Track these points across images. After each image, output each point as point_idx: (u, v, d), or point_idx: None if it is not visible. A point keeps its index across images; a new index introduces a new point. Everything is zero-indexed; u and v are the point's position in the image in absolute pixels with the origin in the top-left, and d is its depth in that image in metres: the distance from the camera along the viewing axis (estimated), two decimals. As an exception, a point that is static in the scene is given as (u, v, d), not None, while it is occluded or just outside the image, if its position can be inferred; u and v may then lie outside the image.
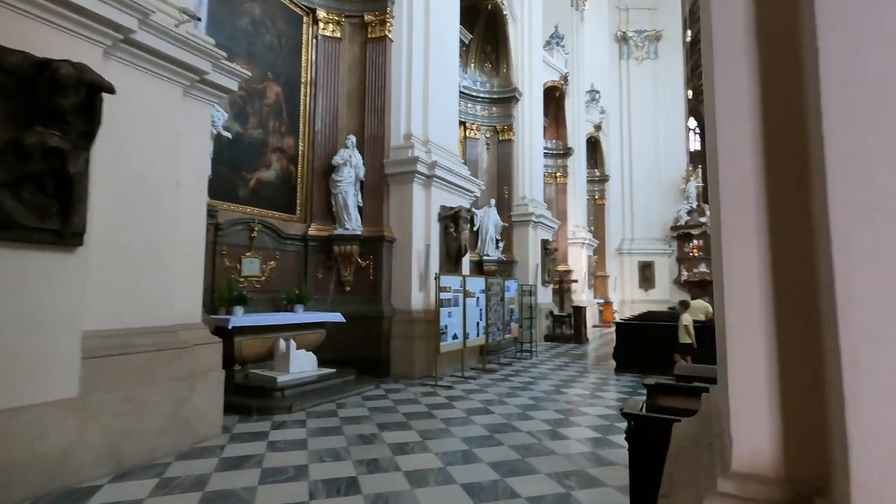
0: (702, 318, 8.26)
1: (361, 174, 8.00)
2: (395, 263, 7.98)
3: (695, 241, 22.94)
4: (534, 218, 13.06)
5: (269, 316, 6.40)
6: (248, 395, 5.63)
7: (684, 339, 7.46)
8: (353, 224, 7.86)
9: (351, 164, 7.91)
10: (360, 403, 5.92)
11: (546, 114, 16.11)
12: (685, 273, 22.64)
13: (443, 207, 8.57)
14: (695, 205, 22.88)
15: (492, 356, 9.78)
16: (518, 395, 6.50)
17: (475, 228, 12.52)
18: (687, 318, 7.61)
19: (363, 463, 3.87)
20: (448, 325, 7.33)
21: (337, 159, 7.90)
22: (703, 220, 22.73)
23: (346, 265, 7.93)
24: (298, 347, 6.41)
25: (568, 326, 14.26)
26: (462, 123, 12.84)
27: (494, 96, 13.40)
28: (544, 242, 13.76)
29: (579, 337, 13.04)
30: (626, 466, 3.78)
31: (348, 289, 7.96)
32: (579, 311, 13.38)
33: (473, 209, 11.03)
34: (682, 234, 22.89)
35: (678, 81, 23.91)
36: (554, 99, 17.03)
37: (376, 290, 7.85)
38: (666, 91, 23.57)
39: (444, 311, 7.23)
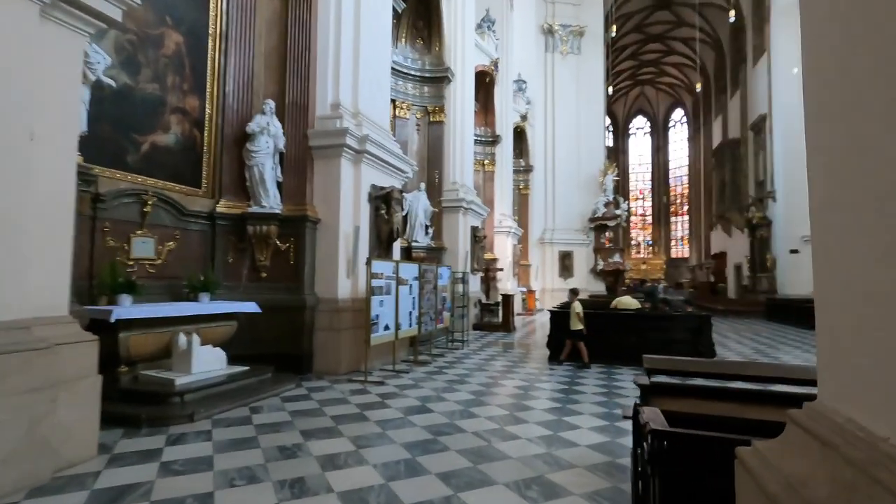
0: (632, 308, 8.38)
1: (281, 145, 7.05)
2: (320, 247, 7.16)
3: (609, 233, 24.10)
4: (464, 204, 12.69)
5: (166, 306, 5.35)
6: (138, 403, 4.63)
7: (576, 325, 7.83)
8: (272, 201, 6.91)
9: (269, 133, 6.93)
10: (279, 406, 5.13)
11: (476, 99, 15.78)
12: (601, 262, 23.72)
13: (373, 187, 7.85)
14: (611, 198, 23.98)
15: (423, 347, 9.27)
16: (456, 390, 6.05)
17: (404, 213, 11.89)
18: (578, 306, 7.94)
19: (286, 485, 3.17)
20: (380, 314, 6.69)
21: (252, 126, 6.89)
22: (617, 212, 23.91)
23: (263, 248, 6.97)
24: (204, 343, 5.44)
25: (495, 315, 14.16)
26: (392, 101, 12.08)
27: (426, 75, 12.77)
28: (474, 229, 13.48)
29: (507, 325, 12.96)
30: (587, 469, 3.46)
31: (265, 275, 7.01)
32: (508, 300, 13.30)
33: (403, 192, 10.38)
34: (598, 226, 23.93)
35: (599, 78, 24.80)
36: (484, 84, 16.74)
37: (298, 276, 6.99)
38: (587, 87, 24.34)
39: (375, 299, 6.58)
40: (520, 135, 21.80)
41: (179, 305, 5.53)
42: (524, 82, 21.67)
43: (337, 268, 7.10)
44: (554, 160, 23.80)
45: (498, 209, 17.68)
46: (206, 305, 5.82)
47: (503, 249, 17.72)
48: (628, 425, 4.55)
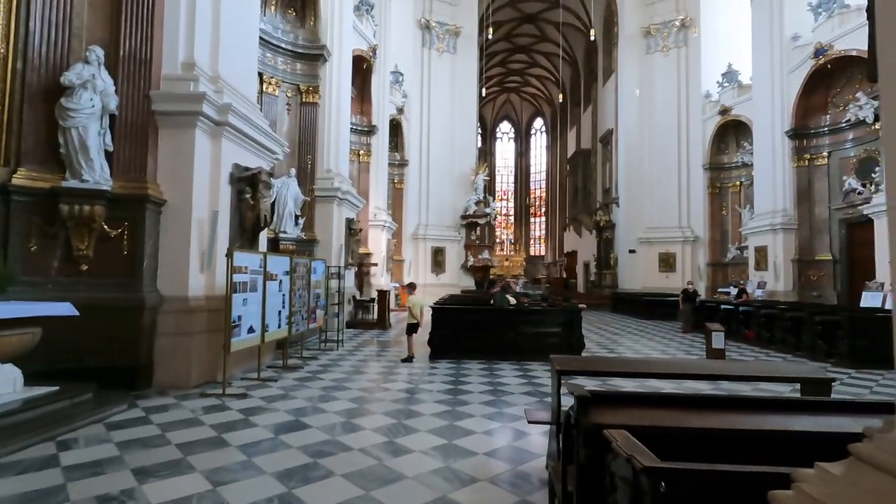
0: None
1: (113, 106, 5.62)
2: (167, 234, 5.89)
3: (478, 230, 25.01)
4: (339, 194, 11.86)
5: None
6: None
7: (410, 319, 8.00)
8: (97, 175, 5.47)
9: (94, 89, 5.47)
10: (102, 437, 3.98)
11: (352, 84, 14.95)
12: (471, 259, 24.49)
13: (237, 167, 6.74)
14: (482, 196, 24.87)
15: (293, 349, 8.34)
16: (335, 398, 5.40)
17: (271, 200, 10.67)
18: (413, 300, 8.08)
19: (109, 556, 2.31)
20: (243, 315, 5.72)
21: (70, 78, 5.37)
22: (487, 210, 24.90)
23: (83, 234, 5.49)
24: (-15, 359, 4.01)
25: (369, 312, 13.58)
26: (259, 75, 10.74)
27: (299, 50, 11.64)
28: (349, 222, 12.70)
29: (383, 322, 12.48)
30: (490, 482, 3.16)
31: (86, 268, 5.54)
32: (383, 296, 12.82)
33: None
34: (470, 223, 24.66)
35: (473, 80, 25.50)
36: (361, 71, 15.97)
37: (134, 270, 5.65)
38: (462, 87, 24.86)
39: (237, 297, 5.59)
40: (396, 128, 21.40)
41: (-55, 309, 4.00)
42: (401, 74, 21.32)
43: (188, 260, 5.92)
44: (429, 156, 23.87)
45: (373, 202, 17.06)
46: (-9, 308, 4.32)
47: (378, 244, 17.17)
48: (521, 425, 4.42)
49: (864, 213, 13.56)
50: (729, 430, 1.83)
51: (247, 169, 6.83)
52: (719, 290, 19.59)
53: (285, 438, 4.01)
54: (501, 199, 44.56)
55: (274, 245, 10.55)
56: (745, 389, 5.52)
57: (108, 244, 5.61)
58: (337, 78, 12.46)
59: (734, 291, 16.01)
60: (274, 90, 11.28)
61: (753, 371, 3.04)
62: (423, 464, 3.50)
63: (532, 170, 45.61)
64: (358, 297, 13.67)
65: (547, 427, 3.49)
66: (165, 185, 5.94)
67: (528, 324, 8.20)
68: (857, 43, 14.30)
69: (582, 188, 31.21)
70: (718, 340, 7.68)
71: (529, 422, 3.33)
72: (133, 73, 5.86)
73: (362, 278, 15.85)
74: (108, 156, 5.67)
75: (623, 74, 24.15)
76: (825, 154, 16.22)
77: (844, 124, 15.56)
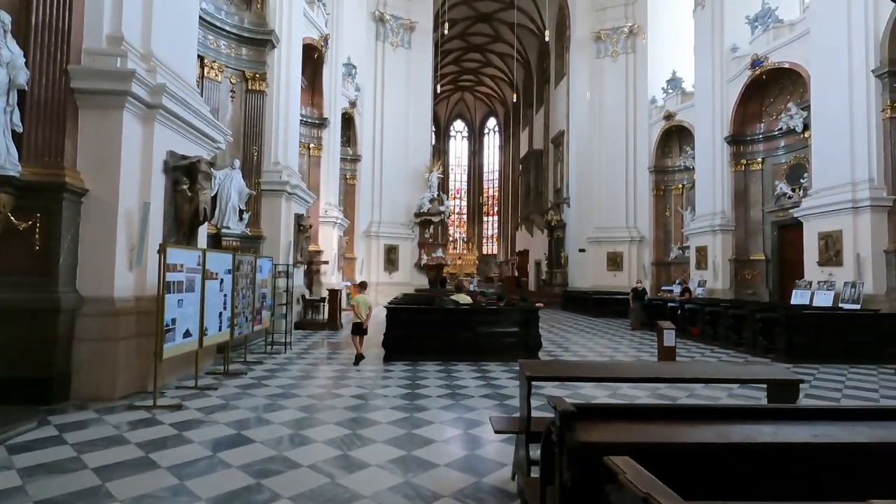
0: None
1: (22, 80, 4.91)
2: (88, 228, 5.24)
3: (432, 228, 24.79)
4: (288, 188, 11.26)
5: None
6: None
7: (355, 318, 7.83)
8: (2, 159, 4.75)
9: (-1, 60, 4.76)
10: (2, 462, 3.41)
11: (303, 74, 14.30)
12: (425, 257, 24.24)
13: (172, 154, 6.14)
14: (436, 194, 24.65)
15: (236, 353, 7.78)
16: (282, 407, 4.99)
17: (213, 193, 9.96)
18: (358, 299, 7.94)
19: None
20: (178, 317, 5.18)
21: (-32, 45, 4.64)
22: (441, 208, 24.71)
23: (-15, 226, 4.77)
24: None
25: (320, 312, 13.04)
26: (199, 58, 9.99)
27: (245, 35, 10.93)
28: (298, 218, 12.11)
29: (334, 323, 11.99)
30: (454, 499, 2.93)
31: (-12, 265, 4.82)
32: (334, 295, 12.32)
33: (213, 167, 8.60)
34: (423, 221, 24.39)
35: (427, 76, 25.22)
36: (312, 61, 15.34)
37: (47, 267, 4.98)
38: (416, 82, 24.52)
39: (172, 298, 5.06)
40: (348, 122, 20.79)
41: None
42: (354, 67, 20.72)
43: (114, 257, 5.30)
44: (382, 152, 23.38)
45: (324, 198, 16.44)
46: None
47: (329, 241, 16.56)
48: (483, 431, 4.23)
49: (794, 215, 14.46)
50: (724, 444, 1.68)
51: (184, 157, 6.24)
52: (663, 287, 20.40)
53: (225, 456, 3.60)
54: (455, 198, 44.59)
55: (216, 241, 9.86)
56: (710, 392, 5.60)
57: (17, 238, 4.91)
58: (286, 66, 11.84)
59: (678, 289, 16.67)
60: (216, 76, 10.54)
61: (726, 374, 2.99)
62: (380, 480, 3.22)
63: (485, 169, 45.95)
64: (307, 297, 13.09)
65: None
66: (87, 172, 5.29)
67: (485, 324, 8.05)
68: (789, 56, 15.22)
69: (534, 188, 31.70)
70: (670, 338, 7.83)
71: (496, 431, 3.13)
72: (48, 44, 5.17)
73: (312, 277, 15.23)
74: (18, 138, 4.96)
75: (574, 77, 24.66)
76: (760, 160, 17.19)
77: (777, 132, 16.55)
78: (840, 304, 11.99)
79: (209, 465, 3.44)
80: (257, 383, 6.07)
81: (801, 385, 5.87)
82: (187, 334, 5.38)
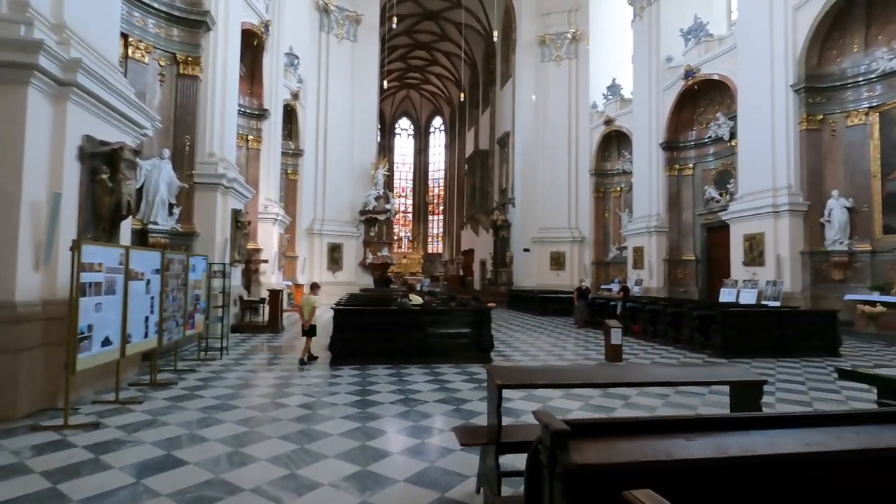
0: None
1: None
2: (-19, 221, 4.51)
3: (377, 226, 24.29)
4: (225, 182, 10.50)
5: None
6: None
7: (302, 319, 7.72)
8: None
9: None
10: None
11: (241, 62, 13.45)
12: (370, 256, 23.71)
13: (89, 140, 5.44)
14: (381, 191, 24.17)
15: (164, 361, 7.10)
16: (219, 421, 4.53)
17: (139, 185, 9.09)
18: (305, 299, 7.83)
19: None
20: (96, 323, 4.57)
21: None
22: (388, 206, 24.27)
23: None
24: None
25: (259, 313, 12.31)
26: (124, 36, 9.08)
27: (176, 14, 10.07)
28: (236, 213, 11.34)
29: (275, 325, 11.34)
30: (419, 518, 2.70)
31: None
32: (275, 296, 11.66)
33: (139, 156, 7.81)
34: (369, 219, 23.86)
35: (374, 70, 24.67)
36: (251, 47, 14.49)
37: (-71, 267, 4.23)
38: (362, 77, 23.94)
39: (88, 301, 4.45)
40: (290, 114, 19.89)
41: None
42: (297, 57, 19.85)
43: (16, 255, 4.59)
44: (326, 147, 22.61)
45: (263, 193, 15.59)
46: None
47: (268, 239, 15.74)
48: (443, 439, 4.03)
49: (722, 218, 15.43)
50: (724, 458, 1.58)
51: (104, 143, 5.56)
52: (602, 286, 21.16)
53: (152, 483, 3.15)
54: (400, 196, 44.14)
55: (142, 238, 9.02)
56: (660, 391, 5.70)
57: None
58: (223, 51, 11.03)
59: (617, 287, 17.33)
60: (143, 56, 9.62)
61: (696, 377, 2.96)
62: (334, 501, 2.92)
63: (430, 168, 45.83)
64: (246, 298, 12.32)
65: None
66: (-19, 156, 4.55)
67: (437, 324, 7.85)
68: (719, 68, 16.21)
69: (480, 188, 31.96)
70: (616, 336, 8.02)
71: (462, 445, 2.93)
72: (-69, 4, 4.39)
73: (251, 276, 14.39)
74: None
75: (520, 80, 25.04)
76: (691, 165, 18.22)
77: (707, 140, 17.61)
78: (763, 302, 12.91)
79: (132, 495, 2.99)
80: (189, 394, 5.52)
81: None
82: (107, 342, 4.76)
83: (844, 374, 3.77)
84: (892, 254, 11.65)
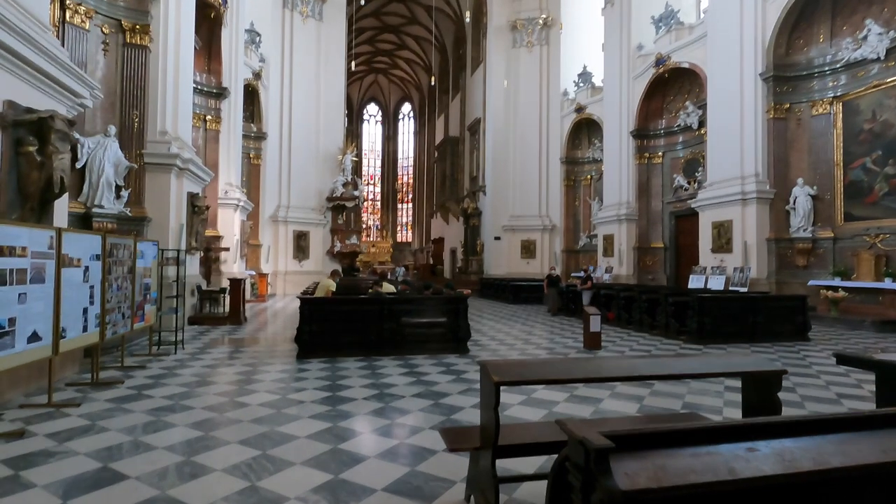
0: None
1: None
2: None
3: (345, 214, 23.56)
4: (179, 163, 9.70)
5: None
6: None
7: None
8: None
9: None
10: None
11: (197, 35, 12.50)
12: (338, 244, 23.00)
13: (12, 106, 4.73)
14: (349, 178, 23.41)
15: (109, 358, 6.44)
16: (168, 425, 4.01)
17: (81, 164, 8.27)
18: (327, 283, 8.01)
19: None
20: (19, 316, 3.95)
21: None
22: (356, 193, 23.55)
23: None
24: None
25: (219, 304, 11.60)
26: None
27: (120, -24, 9.14)
28: (192, 197, 10.55)
29: (237, 317, 10.67)
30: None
31: None
32: (237, 286, 10.96)
33: (77, 133, 7.02)
34: (336, 206, 23.09)
35: (340, 51, 23.73)
36: (208, 20, 13.55)
37: None
38: (328, 57, 22.99)
39: (6, 291, 3.82)
40: (252, 95, 18.87)
41: None
42: (258, 34, 18.81)
43: (-81, 237, 3.90)
44: (291, 130, 21.65)
45: (223, 177, 14.71)
46: None
47: (230, 226, 14.89)
48: (422, 439, 3.66)
49: (691, 206, 15.58)
50: (796, 474, 1.26)
51: (30, 110, 4.85)
52: (572, 274, 21.21)
53: (86, 501, 2.66)
54: (368, 184, 43.22)
55: (86, 223, 8.24)
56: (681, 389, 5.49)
57: None
58: (175, 20, 10.14)
59: (583, 276, 17.35)
60: (83, 22, 8.69)
61: (714, 367, 2.69)
62: (302, 519, 2.52)
63: (399, 155, 45.02)
64: (205, 288, 11.57)
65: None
66: None
67: (411, 314, 7.44)
68: (689, 56, 16.25)
69: (450, 175, 31.50)
70: (595, 324, 7.84)
71: (451, 450, 2.57)
72: None
73: (211, 265, 13.58)
74: None
75: (491, 66, 24.62)
76: (660, 154, 18.34)
77: (676, 128, 17.72)
78: (731, 288, 13.10)
79: (56, 520, 2.50)
80: (137, 394, 4.95)
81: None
82: (34, 338, 4.15)
83: (843, 360, 3.61)
84: (852, 240, 11.97)
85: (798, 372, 6.27)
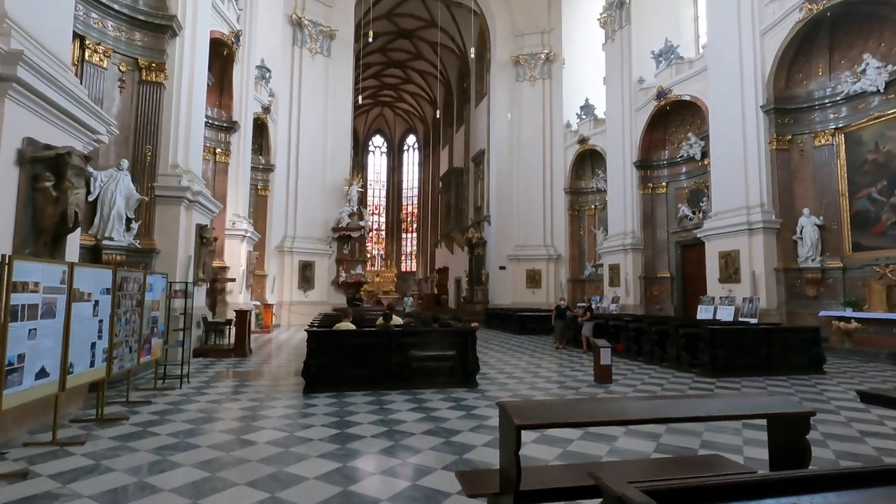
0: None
1: None
2: None
3: (351, 244, 23.63)
4: (189, 195, 9.83)
5: None
6: None
7: None
8: None
9: None
10: None
11: (210, 72, 12.88)
12: (343, 274, 22.98)
13: (31, 142, 4.83)
14: (355, 208, 23.60)
15: (115, 392, 6.36)
16: (174, 465, 3.92)
17: (93, 197, 8.37)
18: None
19: None
20: (28, 352, 3.92)
21: None
22: (361, 223, 23.69)
23: None
24: None
25: (224, 336, 11.52)
26: (79, 38, 8.47)
27: (140, 17, 9.50)
28: (201, 229, 10.64)
29: (242, 349, 10.57)
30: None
31: None
32: (243, 317, 10.92)
33: (91, 167, 7.14)
34: (342, 236, 23.18)
35: (348, 86, 24.31)
36: (221, 57, 13.95)
37: None
38: (336, 92, 23.54)
39: (18, 327, 3.81)
40: (261, 128, 19.29)
41: None
42: (269, 70, 19.33)
43: (-67, 273, 3.92)
44: (298, 162, 21.98)
45: (231, 208, 14.87)
46: None
47: (236, 256, 14.95)
48: (435, 480, 3.55)
49: (697, 236, 15.56)
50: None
51: (49, 147, 4.95)
52: (578, 304, 21.04)
53: (86, 551, 2.57)
54: (373, 214, 43.57)
55: (95, 255, 8.28)
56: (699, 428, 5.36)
57: None
58: (190, 58, 10.46)
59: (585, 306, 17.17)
60: (101, 60, 8.97)
61: (739, 409, 2.62)
62: (314, 570, 2.42)
63: (404, 185, 45.52)
64: (210, 319, 11.52)
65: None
66: None
67: (419, 347, 7.36)
68: (690, 89, 16.56)
69: (454, 205, 31.74)
70: (606, 357, 7.72)
71: (470, 495, 2.48)
72: None
73: (216, 296, 13.56)
74: None
75: (495, 98, 25.16)
76: (664, 184, 18.46)
77: (679, 159, 17.90)
78: (740, 318, 12.94)
79: (59, 571, 2.41)
80: (142, 431, 4.85)
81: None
82: (42, 374, 4.10)
83: (868, 398, 3.53)
84: (862, 270, 11.87)
85: (817, 408, 6.10)
